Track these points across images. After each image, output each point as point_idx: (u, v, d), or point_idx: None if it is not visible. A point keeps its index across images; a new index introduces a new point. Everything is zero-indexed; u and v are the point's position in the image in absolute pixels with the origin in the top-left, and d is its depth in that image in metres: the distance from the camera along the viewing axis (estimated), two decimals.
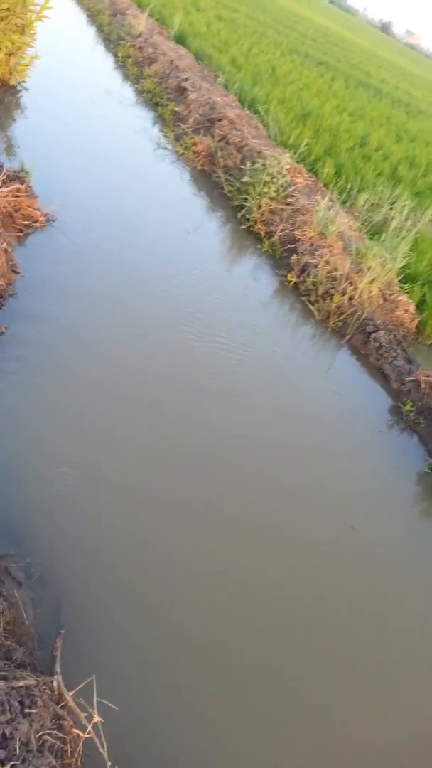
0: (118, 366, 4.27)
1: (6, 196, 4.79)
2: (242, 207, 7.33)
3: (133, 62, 11.01)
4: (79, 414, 3.75)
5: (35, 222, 5.09)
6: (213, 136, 8.51)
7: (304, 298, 6.19)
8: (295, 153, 9.11)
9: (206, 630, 3.03)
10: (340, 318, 5.98)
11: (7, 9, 7.12)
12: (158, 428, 3.95)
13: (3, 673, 2.18)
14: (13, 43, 7.31)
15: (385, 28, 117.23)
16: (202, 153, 8.30)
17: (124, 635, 2.83)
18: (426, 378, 5.46)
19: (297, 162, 8.73)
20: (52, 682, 2.49)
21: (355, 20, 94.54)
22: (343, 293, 6.08)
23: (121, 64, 11.13)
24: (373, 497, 4.36)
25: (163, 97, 9.81)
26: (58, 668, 2.54)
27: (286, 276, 6.42)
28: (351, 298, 6.09)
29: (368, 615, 3.50)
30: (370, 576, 3.73)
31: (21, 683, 2.23)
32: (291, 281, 6.34)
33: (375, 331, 5.88)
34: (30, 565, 2.86)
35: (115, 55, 11.51)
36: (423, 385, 5.41)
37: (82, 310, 4.56)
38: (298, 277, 6.37)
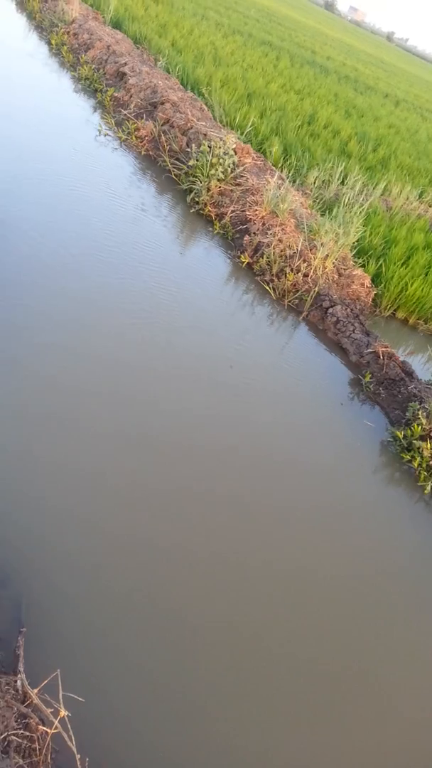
0: (57, 334, 4.24)
1: None
2: (191, 190, 7.31)
3: (68, 49, 10.85)
4: (23, 401, 3.71)
5: None
6: (156, 120, 8.45)
7: (258, 278, 6.22)
8: (241, 133, 9.13)
9: (178, 613, 3.03)
10: (296, 295, 6.02)
11: None
12: (112, 414, 3.92)
13: None
14: None
15: (329, 5, 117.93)
16: (146, 138, 8.24)
17: (86, 626, 2.82)
18: (384, 349, 5.55)
19: (244, 142, 8.74)
20: (15, 681, 2.47)
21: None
22: (298, 270, 6.13)
23: (56, 51, 10.95)
24: (340, 468, 4.43)
25: (102, 84, 9.70)
26: (21, 667, 2.52)
27: (239, 257, 6.43)
28: (306, 275, 6.14)
29: (337, 585, 3.56)
30: (336, 542, 3.78)
31: None
32: (244, 262, 6.35)
33: (331, 306, 5.94)
34: None
35: (49, 43, 11.31)
36: (381, 357, 5.50)
37: (39, 299, 4.51)
38: (251, 257, 6.39)
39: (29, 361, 3.98)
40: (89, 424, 3.76)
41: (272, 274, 6.18)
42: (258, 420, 4.46)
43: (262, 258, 6.29)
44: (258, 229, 6.63)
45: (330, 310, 5.88)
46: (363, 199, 7.65)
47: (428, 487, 4.53)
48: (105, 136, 8.21)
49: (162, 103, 8.75)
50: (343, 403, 5.10)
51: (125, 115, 8.72)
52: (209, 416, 4.26)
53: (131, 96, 9.11)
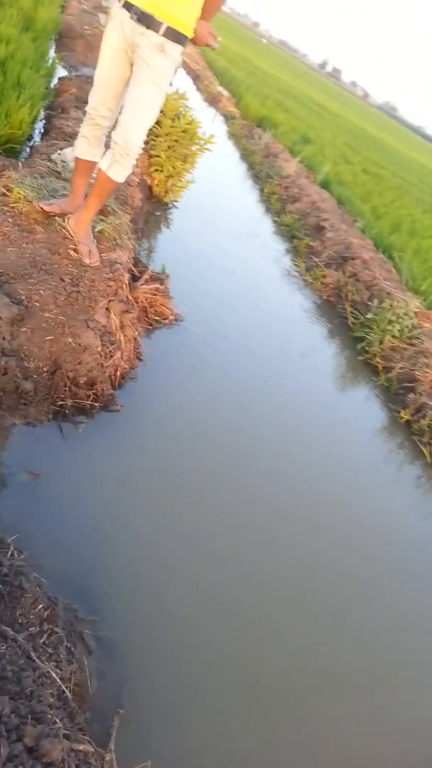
0: (214, 443, 4.57)
1: (146, 292, 5.48)
2: (363, 339, 7.75)
3: (277, 198, 12.36)
4: (178, 484, 4.01)
5: (165, 319, 5.71)
6: (343, 272, 9.20)
7: (416, 438, 6.29)
8: (425, 300, 9.58)
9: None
10: None
11: (176, 140, 8.39)
12: (260, 548, 4.09)
13: (66, 732, 2.28)
14: (174, 168, 8.51)
15: None
16: (330, 285, 8.97)
17: (182, 730, 2.84)
18: None
19: (427, 308, 9.16)
20: (105, 756, 2.54)
21: None
22: None
23: (266, 198, 12.53)
24: None
25: (300, 232, 10.83)
26: (112, 746, 2.59)
27: (399, 412, 6.59)
28: None
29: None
30: None
31: (81, 747, 2.32)
32: (404, 418, 6.49)
33: None
34: (104, 637, 2.99)
35: (261, 191, 12.99)
36: None
37: (195, 401, 5.00)
38: (412, 415, 6.51)
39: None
40: (252, 532, 3.96)
41: (431, 438, 6.23)
42: (381, 597, 4.37)
43: (424, 419, 6.39)
44: (425, 391, 6.80)
45: None
46: None
47: None
48: (292, 276, 9.08)
49: (353, 258, 9.55)
50: None
51: (315, 262, 9.60)
52: (322, 569, 4.27)
53: (325, 247, 10.06)
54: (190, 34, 4.08)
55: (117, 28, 4.08)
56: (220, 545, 3.87)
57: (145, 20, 3.93)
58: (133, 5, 3.95)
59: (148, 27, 3.93)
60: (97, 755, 2.41)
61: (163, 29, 3.92)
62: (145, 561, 3.49)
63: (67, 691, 2.42)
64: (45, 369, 4.05)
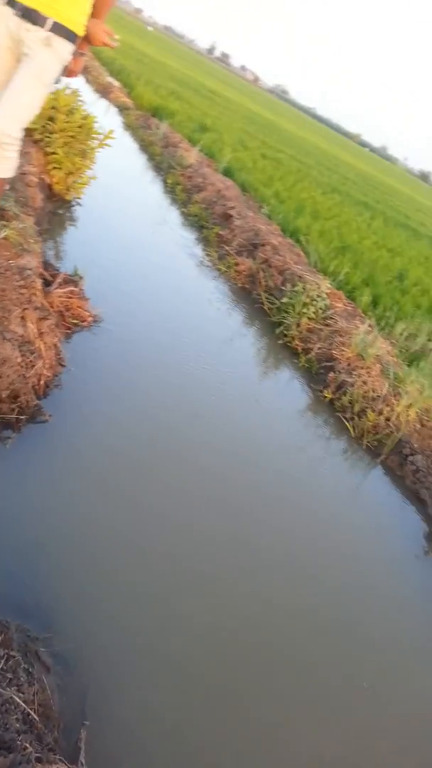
0: (143, 440, 4.58)
1: (61, 296, 5.38)
2: (281, 323, 7.94)
3: (182, 189, 12.37)
4: (112, 487, 3.99)
5: (83, 322, 5.63)
6: (255, 259, 9.37)
7: (339, 414, 6.54)
8: (334, 280, 9.91)
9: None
10: (376, 437, 6.27)
11: (72, 136, 8.24)
12: (194, 542, 4.14)
13: (38, 755, 2.26)
14: (73, 164, 8.36)
15: (424, 177, 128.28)
16: (244, 272, 9.12)
17: (152, 733, 2.87)
18: None
19: (336, 288, 9.48)
20: None
21: (395, 168, 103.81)
22: (380, 413, 6.42)
23: (171, 189, 12.51)
24: (410, 622, 4.38)
25: (208, 222, 10.91)
26: (83, 759, 2.58)
27: (321, 391, 6.83)
28: (387, 419, 6.41)
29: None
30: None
31: (55, 767, 2.30)
32: (327, 397, 6.73)
33: (412, 454, 6.13)
34: (58, 652, 2.96)
35: (165, 182, 12.96)
36: None
37: (121, 401, 4.97)
38: (334, 393, 6.76)
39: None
40: (192, 542, 3.99)
41: (353, 413, 6.49)
42: (320, 564, 4.55)
43: (345, 396, 6.65)
44: (343, 368, 7.06)
45: (410, 458, 6.05)
46: None
47: None
48: (205, 266, 9.15)
49: (263, 245, 9.73)
50: (418, 555, 5.12)
51: (227, 251, 9.72)
52: (261, 545, 4.40)
53: (234, 235, 10.19)
54: (80, 32, 4.01)
55: (1, 26, 3.95)
56: (157, 545, 3.90)
57: (30, 16, 3.81)
58: (16, 2, 3.84)
59: (33, 23, 3.83)
60: None
61: (49, 25, 3.83)
62: (88, 570, 3.47)
63: (33, 713, 2.39)
64: None
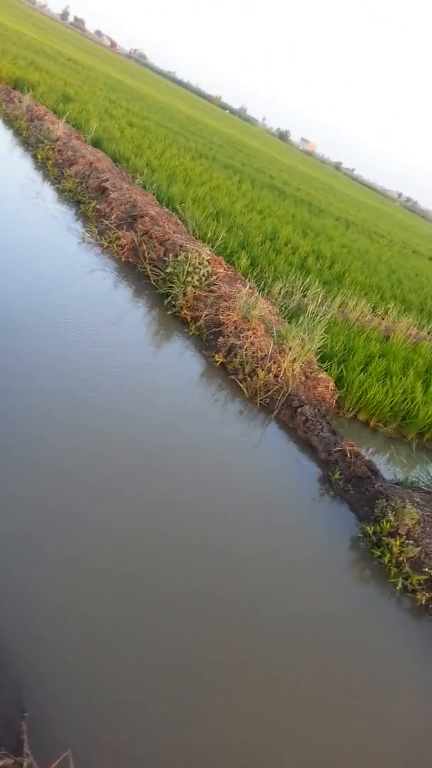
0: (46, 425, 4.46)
1: None
2: (168, 294, 7.88)
3: (53, 164, 11.77)
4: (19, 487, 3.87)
5: None
6: (136, 231, 9.17)
7: (232, 377, 6.67)
8: (212, 246, 9.92)
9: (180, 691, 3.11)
10: (267, 394, 6.46)
11: None
12: (100, 511, 4.11)
13: None
14: None
15: (283, 136, 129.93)
16: (126, 246, 8.91)
17: (93, 712, 2.87)
18: (351, 448, 5.95)
19: (216, 254, 9.51)
20: (23, 762, 2.49)
21: (255, 129, 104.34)
22: (269, 371, 6.61)
23: (42, 165, 11.86)
24: (313, 563, 4.65)
25: (84, 196, 10.50)
26: (27, 750, 2.55)
27: (213, 356, 6.90)
28: (276, 376, 6.62)
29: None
30: (315, 647, 3.94)
31: (1, 763, 2.25)
32: (219, 361, 6.82)
33: (301, 406, 6.38)
34: None
35: (35, 157, 12.26)
36: (348, 455, 5.88)
37: (15, 394, 4.77)
38: (225, 357, 6.86)
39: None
40: (101, 518, 3.93)
41: (245, 374, 6.64)
42: (231, 515, 4.69)
43: (236, 358, 6.77)
44: (231, 332, 7.17)
45: (299, 410, 6.31)
46: (324, 310, 8.37)
47: (399, 583, 4.76)
48: (87, 243, 8.84)
49: (141, 216, 9.53)
50: (315, 498, 5.41)
51: (107, 225, 9.43)
52: (181, 508, 4.48)
53: (112, 209, 9.89)
54: None
55: None
56: (64, 529, 3.86)
57: None
58: None
59: None
60: (16, 764, 2.37)
61: None
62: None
63: None
64: None
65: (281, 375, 6.64)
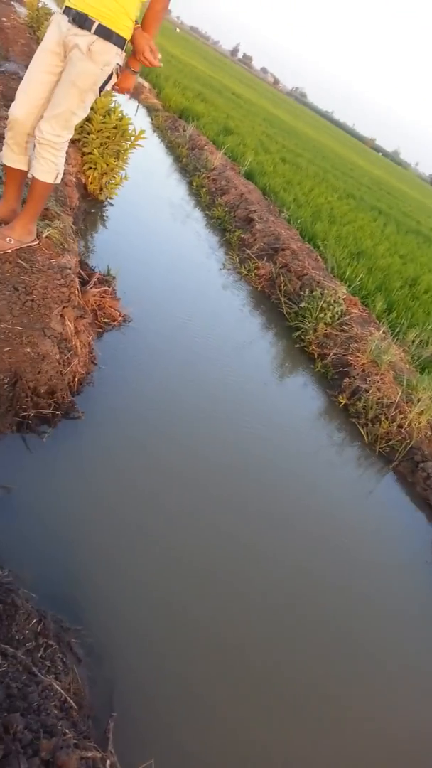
0: (169, 439, 4.62)
1: (95, 295, 5.41)
2: (298, 328, 7.93)
3: (206, 191, 12.34)
4: (140, 485, 4.03)
5: (114, 321, 5.66)
6: (275, 263, 9.35)
7: (353, 420, 6.55)
8: (349, 286, 9.88)
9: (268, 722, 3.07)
10: (388, 443, 6.27)
11: (108, 137, 8.23)
12: (218, 527, 4.17)
13: (76, 741, 2.30)
14: (107, 164, 8.35)
15: None
16: (264, 276, 9.10)
17: (178, 723, 2.91)
18: None
19: (352, 294, 9.45)
20: (107, 760, 2.57)
21: (406, 173, 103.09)
22: (393, 420, 6.42)
23: (195, 192, 12.47)
24: (424, 626, 4.42)
25: (231, 225, 10.88)
26: (111, 749, 2.62)
27: (336, 397, 6.82)
28: (400, 426, 6.41)
29: None
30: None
31: (89, 754, 2.34)
32: (342, 402, 6.73)
33: (423, 462, 6.13)
34: (89, 643, 3.00)
35: (190, 184, 12.92)
36: None
37: (152, 400, 5.01)
38: (348, 399, 6.76)
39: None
40: (211, 544, 4.02)
41: (367, 419, 6.49)
42: (331, 568, 4.58)
43: (359, 402, 6.65)
44: (358, 375, 7.06)
45: (421, 465, 6.06)
46: None
47: None
48: (227, 269, 9.14)
49: (283, 249, 9.71)
50: (428, 561, 5.14)
51: (248, 254, 9.70)
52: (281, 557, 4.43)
53: (256, 239, 10.17)
54: (125, 35, 3.98)
55: (54, 31, 3.97)
56: (185, 543, 3.94)
57: (79, 20, 3.86)
58: (71, 8, 3.88)
59: (81, 26, 3.86)
60: (102, 760, 2.45)
61: (94, 27, 3.85)
62: (114, 564, 3.52)
63: (70, 701, 2.44)
64: (5, 381, 3.96)
65: (406, 426, 6.42)
